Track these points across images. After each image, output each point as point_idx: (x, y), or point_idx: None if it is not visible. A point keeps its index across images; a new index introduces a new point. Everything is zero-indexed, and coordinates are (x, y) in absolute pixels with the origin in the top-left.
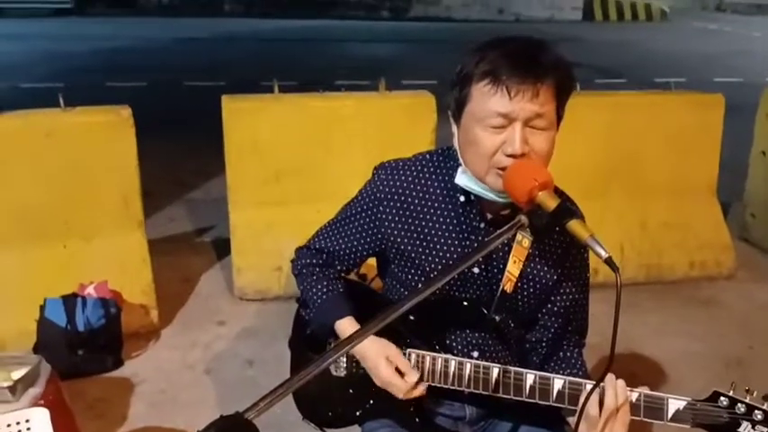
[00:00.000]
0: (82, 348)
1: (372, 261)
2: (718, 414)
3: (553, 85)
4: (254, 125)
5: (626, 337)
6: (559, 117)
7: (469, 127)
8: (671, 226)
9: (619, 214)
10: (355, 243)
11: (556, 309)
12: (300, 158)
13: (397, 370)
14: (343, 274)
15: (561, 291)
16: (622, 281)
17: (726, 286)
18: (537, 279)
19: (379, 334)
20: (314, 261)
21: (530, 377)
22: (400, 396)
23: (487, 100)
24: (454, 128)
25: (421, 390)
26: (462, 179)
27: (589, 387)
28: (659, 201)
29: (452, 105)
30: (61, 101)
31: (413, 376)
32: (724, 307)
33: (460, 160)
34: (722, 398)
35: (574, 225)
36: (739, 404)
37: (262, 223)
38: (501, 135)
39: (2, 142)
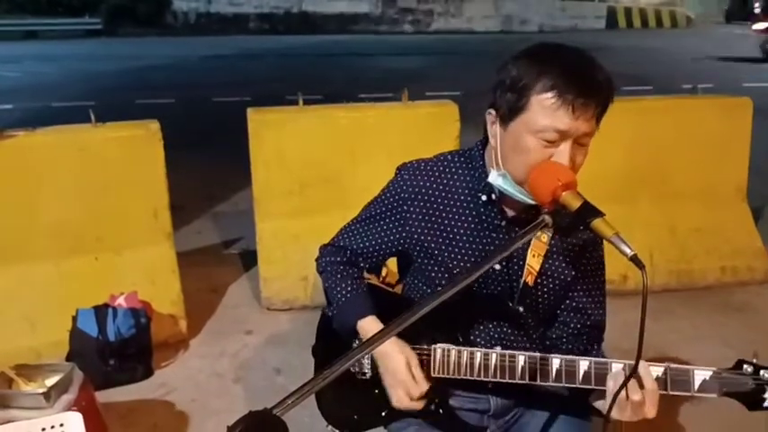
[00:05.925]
0: (113, 358)
1: (393, 266)
2: (744, 381)
3: (602, 105)
4: (280, 137)
5: (658, 344)
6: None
7: (520, 135)
8: (701, 231)
9: (647, 220)
10: (379, 242)
11: (574, 304)
12: (325, 169)
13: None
14: (366, 273)
15: (579, 287)
16: (654, 288)
17: (759, 292)
18: (555, 275)
19: (403, 331)
20: (338, 259)
21: (555, 361)
22: (404, 401)
23: (549, 114)
24: (497, 128)
25: (420, 404)
26: (498, 181)
27: (614, 366)
28: (688, 206)
29: (504, 109)
30: (92, 116)
31: (424, 385)
32: (757, 313)
33: (496, 161)
34: (746, 365)
35: (598, 224)
36: (763, 371)
37: (288, 234)
38: (551, 149)
39: (37, 158)
